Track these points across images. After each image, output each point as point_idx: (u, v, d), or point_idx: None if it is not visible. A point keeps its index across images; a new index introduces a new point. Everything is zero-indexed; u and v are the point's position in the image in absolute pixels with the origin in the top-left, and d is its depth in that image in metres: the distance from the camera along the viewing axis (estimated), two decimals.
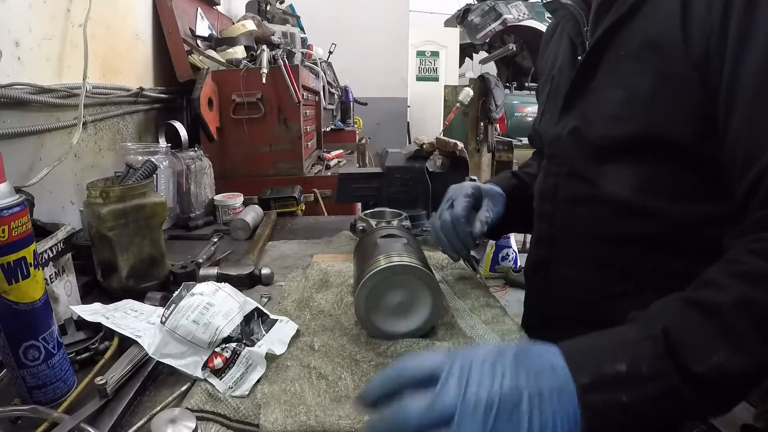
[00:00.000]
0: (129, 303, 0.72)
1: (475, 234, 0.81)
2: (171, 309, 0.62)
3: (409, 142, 4.17)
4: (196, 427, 0.45)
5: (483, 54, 5.82)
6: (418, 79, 5.07)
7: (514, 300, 3.18)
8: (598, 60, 0.68)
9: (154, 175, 0.92)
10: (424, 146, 1.13)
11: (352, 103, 3.14)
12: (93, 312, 0.66)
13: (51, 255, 0.68)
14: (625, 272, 0.69)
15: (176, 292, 0.66)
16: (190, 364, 0.59)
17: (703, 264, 0.54)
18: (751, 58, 0.52)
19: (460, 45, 5.30)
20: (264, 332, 0.68)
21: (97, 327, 0.65)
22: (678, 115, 0.59)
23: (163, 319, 0.61)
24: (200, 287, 0.65)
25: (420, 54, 5.07)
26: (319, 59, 2.44)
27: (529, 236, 0.91)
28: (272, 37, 1.93)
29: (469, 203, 0.83)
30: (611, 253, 0.70)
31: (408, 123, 4.61)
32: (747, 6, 0.52)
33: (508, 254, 3.47)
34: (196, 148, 1.38)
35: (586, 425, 0.39)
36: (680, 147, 0.60)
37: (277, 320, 0.71)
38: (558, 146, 0.76)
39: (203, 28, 1.83)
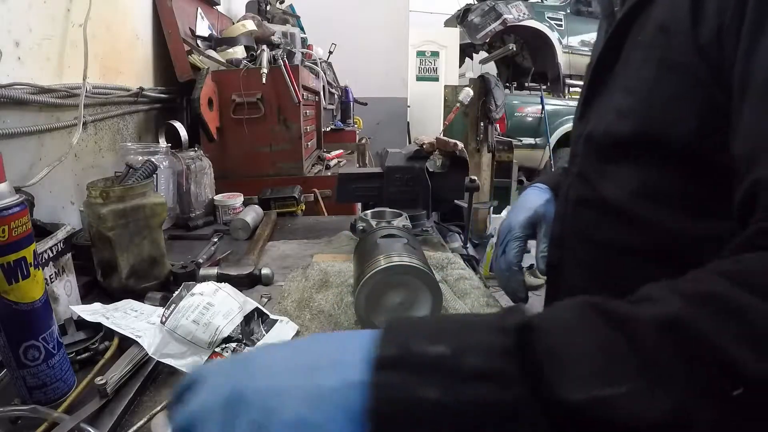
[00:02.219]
0: (129, 303, 0.72)
1: (540, 271, 0.79)
2: (171, 309, 0.62)
3: (409, 142, 4.17)
4: None
5: (483, 54, 5.82)
6: (418, 79, 5.06)
7: None
8: (620, 46, 0.60)
9: (154, 175, 0.92)
10: (424, 146, 1.13)
11: (352, 103, 3.13)
12: (93, 312, 0.66)
13: (51, 255, 0.68)
14: (622, 285, 0.60)
15: (176, 292, 0.66)
16: (190, 364, 0.59)
17: None
18: None
19: (460, 45, 5.29)
20: (264, 332, 0.68)
21: (97, 327, 0.65)
22: (680, 111, 0.51)
23: (163, 319, 0.61)
24: (200, 287, 0.66)
25: (420, 54, 5.06)
26: (319, 59, 2.44)
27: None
28: (272, 37, 1.93)
29: (521, 247, 0.80)
30: (608, 262, 0.64)
31: (408, 123, 4.61)
32: None
33: None
34: (196, 148, 1.37)
35: (373, 422, 0.27)
36: (684, 150, 0.52)
37: (277, 320, 0.71)
38: (577, 144, 0.70)
39: (203, 28, 1.83)
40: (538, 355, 0.29)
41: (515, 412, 0.27)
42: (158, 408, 0.53)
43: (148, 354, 0.59)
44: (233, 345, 0.61)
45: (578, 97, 0.77)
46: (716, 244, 0.47)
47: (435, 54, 5.11)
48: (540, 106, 5.21)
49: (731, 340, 0.28)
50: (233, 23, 2.03)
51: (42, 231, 0.72)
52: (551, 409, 0.27)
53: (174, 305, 0.63)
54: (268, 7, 2.50)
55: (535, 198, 0.84)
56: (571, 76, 6.00)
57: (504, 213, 3.48)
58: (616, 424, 0.27)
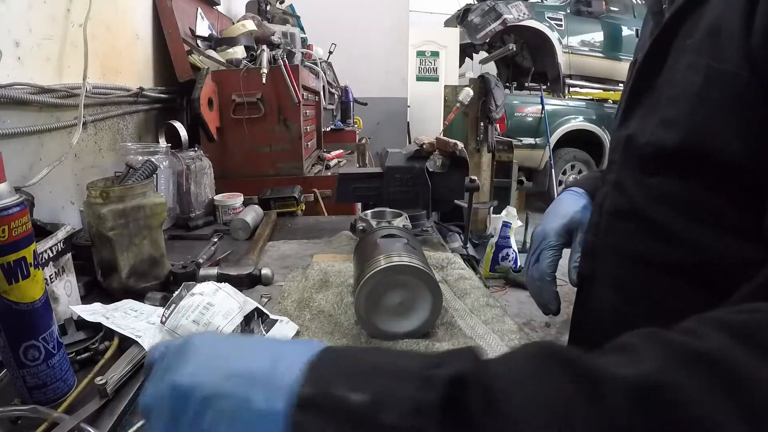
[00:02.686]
0: (129, 303, 0.72)
1: (572, 282, 0.75)
2: (171, 309, 0.62)
3: (409, 142, 4.17)
4: None
5: (483, 54, 5.82)
6: (418, 79, 5.06)
7: (514, 300, 3.18)
8: (667, 49, 0.55)
9: (154, 175, 0.92)
10: (424, 146, 1.13)
11: (352, 103, 3.14)
12: (93, 312, 0.66)
13: (51, 255, 0.68)
14: (655, 307, 0.58)
15: (176, 292, 0.66)
16: None
17: None
18: None
19: (460, 45, 5.29)
20: (264, 332, 0.68)
21: (97, 327, 0.65)
22: (727, 126, 0.46)
23: (163, 319, 0.61)
24: (200, 287, 0.66)
25: (420, 54, 5.07)
26: (319, 59, 2.44)
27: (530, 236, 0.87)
28: (272, 37, 1.93)
29: (556, 256, 0.76)
30: (641, 280, 0.59)
31: (408, 123, 4.61)
32: None
33: (508, 254, 3.47)
34: (196, 148, 1.38)
35: None
36: (732, 168, 0.47)
37: (277, 320, 0.71)
38: (615, 151, 0.65)
39: (203, 28, 1.83)
40: (469, 416, 0.25)
41: None
42: None
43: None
44: None
45: (619, 100, 0.71)
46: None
47: (435, 54, 5.11)
48: (540, 106, 5.22)
49: (724, 415, 0.24)
50: (233, 23, 2.03)
51: (42, 231, 0.72)
52: None
53: (174, 305, 0.63)
54: (268, 7, 2.50)
55: (571, 204, 0.79)
56: (571, 76, 6.00)
57: (504, 213, 3.48)
58: None
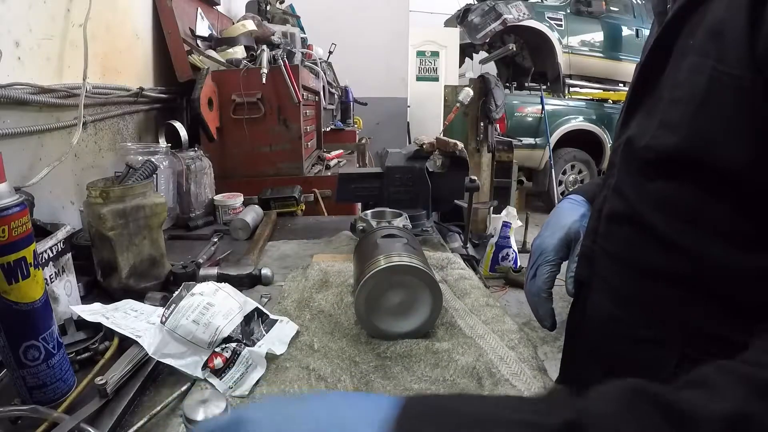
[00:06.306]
0: (129, 303, 0.72)
1: (569, 292, 0.74)
2: (171, 309, 0.62)
3: (409, 142, 4.17)
4: (227, 408, 0.44)
5: (483, 54, 5.82)
6: (418, 79, 5.06)
7: (514, 300, 3.18)
8: (669, 49, 0.53)
9: (154, 175, 0.92)
10: (424, 146, 1.13)
11: (352, 103, 3.13)
12: (93, 312, 0.66)
13: (51, 255, 0.68)
14: (653, 314, 0.57)
15: (176, 292, 0.66)
16: (190, 364, 0.59)
17: (750, 333, 0.38)
18: None
19: (460, 45, 5.29)
20: (264, 332, 0.68)
21: (97, 327, 0.65)
22: (730, 133, 0.45)
23: (163, 319, 0.61)
24: (200, 287, 0.66)
25: (420, 54, 5.07)
26: (319, 59, 2.44)
27: (531, 236, 0.86)
28: (272, 37, 1.93)
29: (552, 272, 0.74)
30: (640, 287, 0.58)
31: (408, 123, 4.61)
32: None
33: (508, 254, 3.47)
34: (196, 148, 1.38)
35: None
36: (735, 176, 0.46)
37: (277, 320, 0.71)
38: (616, 154, 0.63)
39: (203, 28, 1.83)
40: None
41: None
42: (158, 408, 0.53)
43: (148, 354, 0.59)
44: (233, 345, 0.61)
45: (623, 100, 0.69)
46: (765, 282, 0.44)
47: (435, 54, 5.11)
48: (540, 106, 5.22)
49: None
50: (233, 23, 2.03)
51: (42, 231, 0.72)
52: None
53: (174, 305, 0.63)
54: (268, 7, 2.50)
55: (569, 214, 0.77)
56: (571, 76, 6.00)
57: (504, 213, 3.48)
58: None
